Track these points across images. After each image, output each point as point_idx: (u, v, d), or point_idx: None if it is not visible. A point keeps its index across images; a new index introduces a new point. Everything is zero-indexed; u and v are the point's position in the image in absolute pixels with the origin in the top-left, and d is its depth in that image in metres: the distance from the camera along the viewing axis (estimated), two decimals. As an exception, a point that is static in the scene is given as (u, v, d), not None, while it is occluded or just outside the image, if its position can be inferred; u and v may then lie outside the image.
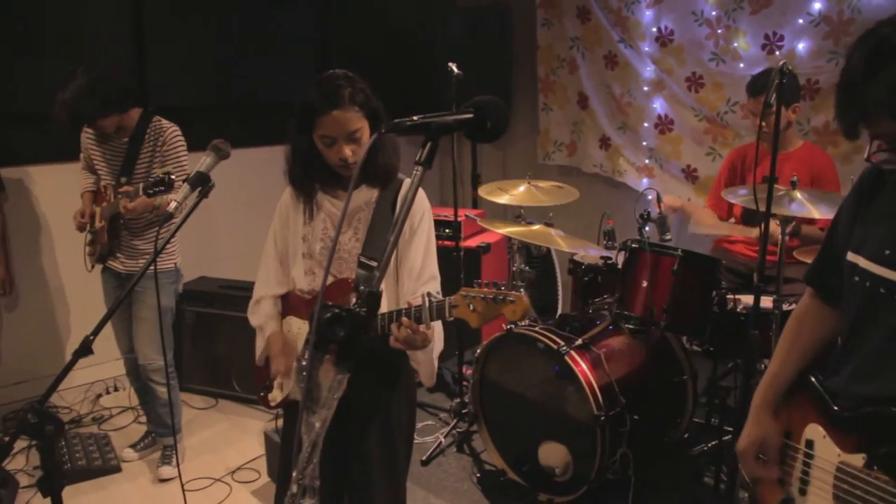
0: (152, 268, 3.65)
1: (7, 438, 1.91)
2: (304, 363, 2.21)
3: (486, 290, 1.89)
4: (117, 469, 3.96)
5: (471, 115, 1.58)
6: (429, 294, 2.02)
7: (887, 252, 1.56)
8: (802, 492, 1.72)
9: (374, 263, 2.30)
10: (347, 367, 1.53)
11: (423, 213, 2.38)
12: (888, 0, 4.19)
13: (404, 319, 2.06)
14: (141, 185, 3.46)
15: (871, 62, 1.40)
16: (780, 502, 1.79)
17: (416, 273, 2.32)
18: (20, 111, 4.59)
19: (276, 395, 2.49)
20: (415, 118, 1.58)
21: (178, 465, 3.90)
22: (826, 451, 1.66)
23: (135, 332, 3.85)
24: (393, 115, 1.62)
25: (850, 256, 1.67)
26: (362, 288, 1.53)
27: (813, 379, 1.77)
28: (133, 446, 4.13)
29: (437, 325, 2.23)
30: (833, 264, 1.76)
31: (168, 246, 3.80)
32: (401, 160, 2.41)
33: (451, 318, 1.99)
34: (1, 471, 3.26)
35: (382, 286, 2.26)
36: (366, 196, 2.38)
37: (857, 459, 1.57)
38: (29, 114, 4.48)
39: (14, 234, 4.58)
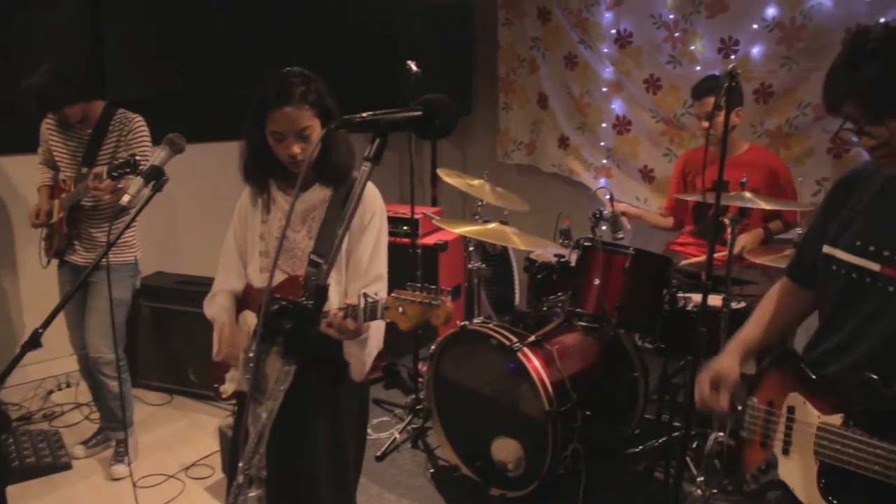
0: (115, 260, 3.72)
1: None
2: (251, 355, 2.23)
3: (416, 293, 1.90)
4: (68, 466, 3.90)
5: (420, 113, 1.60)
6: (364, 294, 2.03)
7: (858, 243, 1.82)
8: (786, 452, 1.92)
9: (322, 260, 2.33)
10: (294, 358, 1.55)
11: (374, 212, 2.38)
12: (838, 9, 4.28)
13: (333, 310, 2.08)
14: (105, 168, 3.38)
15: (852, 57, 1.69)
16: (763, 463, 1.99)
17: (362, 271, 2.34)
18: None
19: (227, 388, 2.50)
20: (364, 115, 1.60)
21: (129, 461, 3.90)
22: (807, 415, 1.87)
23: (87, 324, 3.78)
24: (352, 114, 1.63)
25: (827, 249, 1.91)
26: (311, 281, 1.55)
27: (790, 353, 2.02)
28: (84, 443, 4.07)
29: (376, 325, 2.25)
30: (808, 257, 2.02)
31: (128, 238, 3.79)
32: (356, 159, 2.41)
33: (387, 320, 2.00)
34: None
35: (331, 281, 2.29)
36: (320, 195, 2.39)
37: (836, 419, 1.79)
38: None
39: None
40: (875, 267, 1.78)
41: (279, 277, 2.37)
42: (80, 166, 3.71)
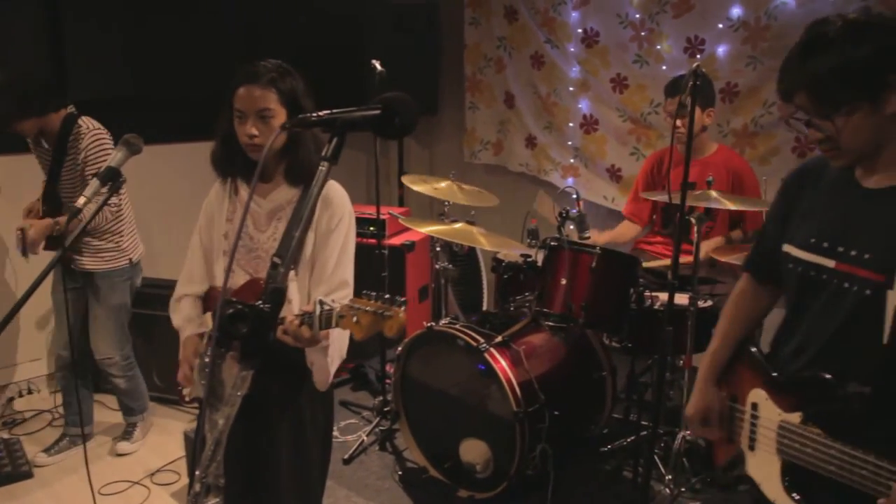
0: (107, 266, 3.73)
1: None
2: (206, 360, 2.19)
3: (370, 303, 1.87)
4: (28, 475, 3.82)
5: (378, 111, 1.58)
6: (320, 301, 1.98)
7: (813, 240, 1.82)
8: (751, 447, 1.94)
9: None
10: (251, 363, 1.52)
11: (343, 216, 2.32)
12: (802, 8, 4.31)
13: (288, 317, 2.04)
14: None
15: (807, 48, 1.67)
16: (732, 457, 2.02)
17: (327, 276, 2.28)
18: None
19: (189, 391, 2.45)
20: (321, 113, 1.57)
21: (136, 438, 4.10)
22: (769, 412, 1.88)
23: (91, 330, 3.85)
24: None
25: (785, 248, 1.90)
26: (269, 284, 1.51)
27: (754, 350, 2.03)
28: (46, 450, 3.99)
29: (338, 333, 2.20)
30: (766, 254, 2.02)
31: (121, 243, 3.78)
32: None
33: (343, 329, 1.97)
34: None
35: (294, 285, 2.25)
36: (287, 195, 2.35)
37: (795, 417, 1.81)
38: None
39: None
40: (830, 263, 1.78)
41: (242, 279, 2.33)
42: (46, 184, 3.67)
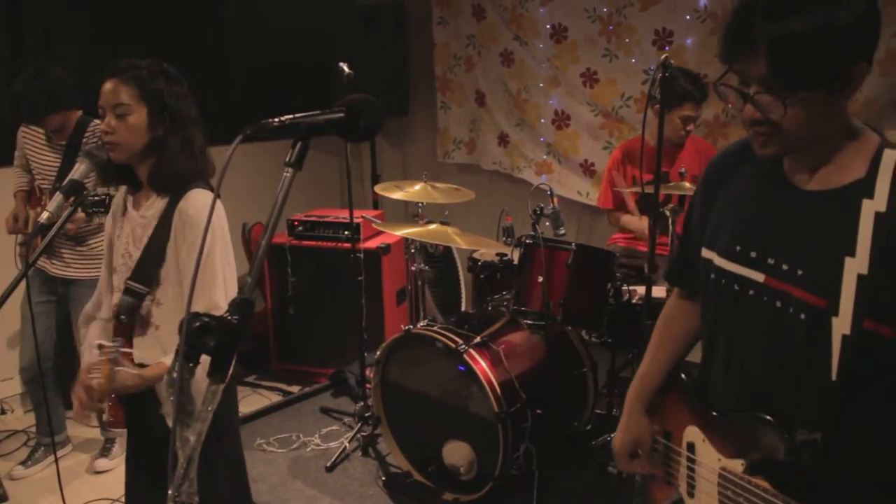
0: (93, 273, 3.60)
1: None
2: (174, 376, 2.13)
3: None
4: (3, 497, 3.76)
5: (342, 115, 1.54)
6: (99, 345, 1.92)
7: (738, 248, 1.55)
8: (691, 494, 1.71)
9: (141, 288, 2.19)
10: (221, 376, 1.48)
11: (203, 226, 2.12)
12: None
13: (82, 376, 2.00)
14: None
15: (774, 5, 1.32)
16: (672, 502, 1.78)
17: (194, 300, 1.97)
18: None
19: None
20: (283, 118, 1.53)
21: (113, 455, 4.03)
22: (707, 457, 1.64)
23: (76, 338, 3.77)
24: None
25: (705, 252, 1.65)
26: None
27: (685, 377, 1.78)
28: (23, 463, 3.97)
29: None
30: (691, 261, 1.72)
31: (97, 253, 3.70)
32: (209, 168, 2.27)
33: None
34: None
35: (160, 309, 2.17)
36: (157, 207, 2.23)
37: (737, 465, 1.55)
38: None
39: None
40: (759, 278, 1.50)
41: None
42: (56, 181, 3.66)
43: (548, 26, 5.23)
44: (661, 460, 1.81)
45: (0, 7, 4.66)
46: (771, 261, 1.48)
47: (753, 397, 1.55)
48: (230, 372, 1.48)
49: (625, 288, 3.43)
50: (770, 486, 1.47)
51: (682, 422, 1.72)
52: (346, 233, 4.61)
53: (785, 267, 1.46)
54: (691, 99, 3.76)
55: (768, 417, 1.48)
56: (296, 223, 4.83)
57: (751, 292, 1.52)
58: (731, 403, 1.61)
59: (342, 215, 4.70)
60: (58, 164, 3.68)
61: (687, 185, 3.37)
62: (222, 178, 1.47)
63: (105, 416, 2.27)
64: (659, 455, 1.82)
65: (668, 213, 3.26)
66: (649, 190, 3.04)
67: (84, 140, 3.63)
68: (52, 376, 3.92)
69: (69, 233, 3.59)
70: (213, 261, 2.12)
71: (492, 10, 5.50)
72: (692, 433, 1.69)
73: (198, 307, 2.00)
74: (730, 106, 1.44)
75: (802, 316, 1.42)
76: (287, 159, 1.50)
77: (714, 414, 1.64)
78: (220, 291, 2.11)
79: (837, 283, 1.36)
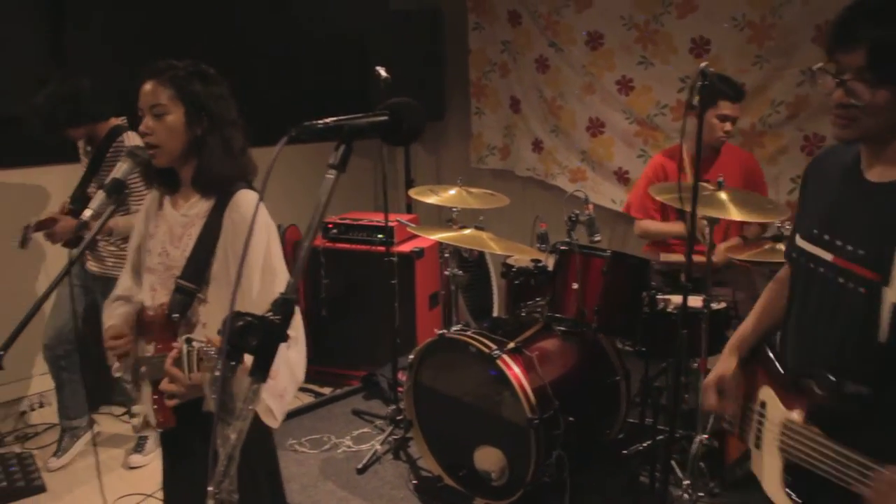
0: (110, 271, 3.75)
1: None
2: (216, 374, 2.14)
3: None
4: (41, 489, 3.81)
5: (385, 118, 1.55)
6: (187, 339, 1.87)
7: (815, 231, 1.78)
8: (758, 445, 1.93)
9: (192, 286, 2.18)
10: (263, 376, 1.49)
11: (256, 231, 2.13)
12: (808, 6, 4.28)
13: (168, 368, 1.96)
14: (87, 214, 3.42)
15: (883, 7, 1.59)
16: (741, 454, 2.02)
17: (252, 300, 2.08)
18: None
19: (135, 421, 2.37)
20: (327, 121, 1.54)
21: (147, 450, 4.04)
22: (775, 411, 1.86)
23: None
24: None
25: (796, 237, 1.89)
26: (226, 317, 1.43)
27: (767, 347, 2.01)
28: (55, 454, 4.05)
29: (285, 360, 2.00)
30: (788, 245, 1.99)
31: (126, 249, 3.74)
32: (250, 168, 2.28)
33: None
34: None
35: (207, 308, 2.18)
36: (200, 208, 2.24)
37: (798, 416, 1.78)
38: None
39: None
40: (828, 256, 1.74)
41: (164, 297, 2.23)
42: (78, 186, 3.74)
43: (583, 33, 5.23)
44: (738, 419, 2.03)
45: (42, 13, 4.75)
46: (839, 242, 1.72)
47: (817, 359, 1.77)
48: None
49: (659, 296, 3.40)
50: (822, 432, 1.70)
51: (759, 384, 1.96)
52: (380, 236, 4.63)
53: (849, 248, 1.69)
54: (725, 97, 3.74)
55: (826, 374, 1.70)
56: (330, 226, 4.86)
57: (821, 269, 1.75)
58: (799, 365, 1.85)
59: (376, 218, 4.72)
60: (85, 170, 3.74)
61: (723, 195, 3.33)
62: (267, 179, 1.48)
63: (153, 419, 2.28)
64: (739, 394, 2.03)
65: (705, 221, 3.23)
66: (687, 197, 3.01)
67: (111, 150, 3.67)
68: (72, 358, 3.95)
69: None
70: (271, 259, 2.13)
71: (527, 16, 5.50)
72: (765, 393, 1.92)
73: (261, 306, 2.00)
74: (819, 88, 1.70)
75: (862, 290, 1.65)
76: (331, 161, 1.51)
77: (783, 374, 1.89)
78: (281, 287, 2.12)
79: (890, 261, 1.60)
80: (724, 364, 2.09)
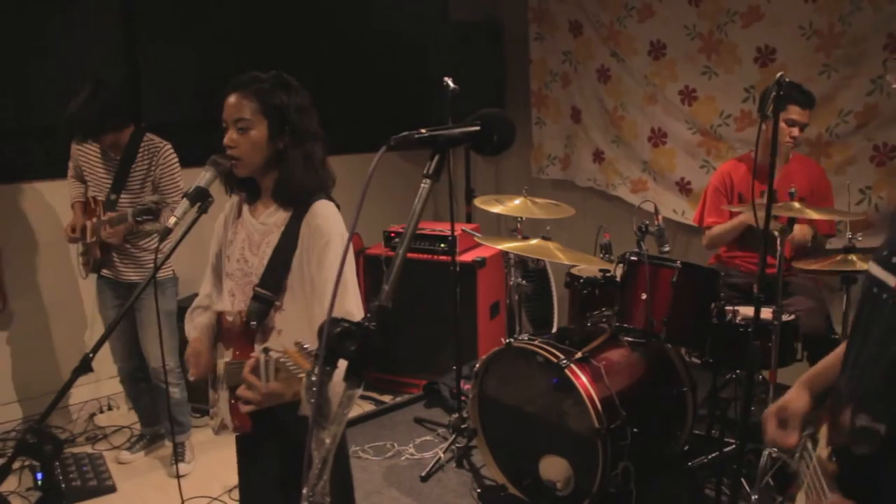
0: (159, 276, 3.79)
1: (4, 460, 1.90)
2: (313, 379, 2.17)
3: (298, 358, 1.78)
4: (112, 489, 3.91)
5: (478, 128, 1.58)
6: (265, 349, 1.88)
7: (885, 253, 1.59)
8: (801, 482, 1.78)
9: (269, 294, 2.22)
10: (358, 381, 1.52)
11: (330, 239, 2.20)
12: (879, 14, 4.22)
13: (246, 375, 1.98)
14: (130, 212, 3.59)
15: None
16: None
17: (325, 309, 2.04)
18: (7, 128, 4.58)
19: (213, 423, 2.40)
20: (422, 131, 1.57)
21: (189, 458, 4.16)
22: (820, 447, 1.70)
23: (143, 337, 3.95)
24: (381, 131, 1.59)
25: (869, 262, 1.71)
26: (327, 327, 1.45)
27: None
28: (128, 448, 4.24)
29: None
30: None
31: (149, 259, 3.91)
32: (329, 180, 2.32)
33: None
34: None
35: (282, 315, 2.21)
36: (278, 217, 2.28)
37: (825, 451, 1.63)
38: (14, 130, 4.55)
39: (4, 250, 4.53)
40: (891, 281, 1.53)
41: (242, 303, 2.27)
42: (110, 192, 3.82)
43: (646, 43, 5.21)
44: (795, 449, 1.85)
45: (115, 20, 4.89)
46: None
47: (866, 390, 1.57)
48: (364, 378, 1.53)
49: (728, 308, 3.37)
50: (836, 471, 1.54)
51: (822, 421, 1.78)
52: (443, 245, 4.66)
53: None
54: (795, 102, 3.71)
55: (846, 405, 1.54)
56: (392, 234, 4.90)
57: (883, 296, 1.56)
58: (849, 397, 1.63)
59: (438, 228, 4.75)
60: (111, 176, 3.83)
61: (796, 205, 3.30)
62: (367, 188, 1.51)
63: (230, 423, 2.32)
64: (803, 424, 1.84)
65: (776, 232, 3.20)
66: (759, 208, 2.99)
67: (139, 154, 3.79)
68: (144, 371, 4.09)
69: (111, 242, 3.77)
70: (344, 270, 2.16)
71: (589, 26, 5.50)
72: (822, 431, 1.74)
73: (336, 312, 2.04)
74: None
75: None
76: (425, 171, 1.53)
77: (833, 405, 1.69)
78: (351, 299, 2.16)
79: None
80: (791, 395, 1.89)
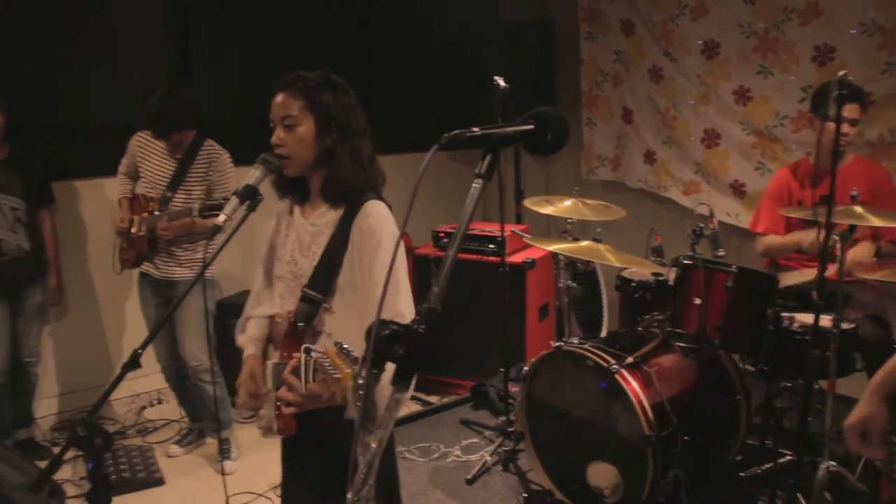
0: (187, 275, 3.89)
1: (57, 451, 1.93)
2: (360, 381, 2.14)
3: (335, 359, 1.74)
4: (161, 482, 3.97)
5: (532, 127, 1.54)
6: (306, 349, 1.85)
7: None
8: None
9: (318, 296, 2.19)
10: (406, 385, 1.49)
11: (380, 238, 2.16)
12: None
13: (286, 376, 1.95)
14: (195, 207, 3.61)
15: None
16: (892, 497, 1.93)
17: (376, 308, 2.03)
18: (65, 126, 4.63)
19: (262, 425, 2.39)
20: (475, 129, 1.53)
21: (235, 455, 4.18)
22: None
23: (181, 335, 3.97)
24: (431, 130, 1.55)
25: None
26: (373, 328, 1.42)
27: None
28: (178, 443, 4.30)
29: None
30: None
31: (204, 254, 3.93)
32: (379, 178, 2.29)
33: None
34: (50, 481, 3.27)
35: (331, 317, 2.18)
36: (329, 217, 2.25)
37: None
38: (72, 128, 4.61)
39: (61, 246, 4.59)
40: None
41: (292, 305, 2.24)
42: (166, 190, 3.88)
43: (699, 42, 5.11)
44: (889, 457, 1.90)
45: (169, 23, 4.94)
46: None
47: None
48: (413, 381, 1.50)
49: (785, 314, 3.28)
50: None
51: None
52: (492, 246, 4.62)
53: None
54: (847, 100, 3.60)
55: None
56: (441, 234, 4.87)
57: None
58: None
59: (487, 228, 4.71)
60: (170, 175, 3.88)
61: (857, 209, 3.19)
62: (417, 187, 1.48)
63: (275, 425, 2.30)
64: (886, 436, 1.89)
65: (836, 237, 3.10)
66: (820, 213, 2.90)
67: (198, 157, 3.86)
68: (218, 365, 4.12)
69: (165, 236, 3.81)
70: (396, 271, 2.12)
71: (641, 25, 5.42)
72: None
73: (386, 312, 1.98)
74: None
75: None
76: (477, 170, 1.50)
77: None
78: (403, 300, 2.12)
79: None
80: (866, 405, 1.93)
